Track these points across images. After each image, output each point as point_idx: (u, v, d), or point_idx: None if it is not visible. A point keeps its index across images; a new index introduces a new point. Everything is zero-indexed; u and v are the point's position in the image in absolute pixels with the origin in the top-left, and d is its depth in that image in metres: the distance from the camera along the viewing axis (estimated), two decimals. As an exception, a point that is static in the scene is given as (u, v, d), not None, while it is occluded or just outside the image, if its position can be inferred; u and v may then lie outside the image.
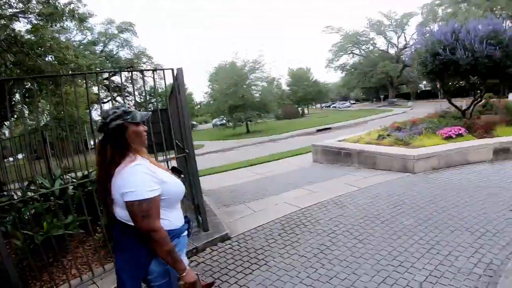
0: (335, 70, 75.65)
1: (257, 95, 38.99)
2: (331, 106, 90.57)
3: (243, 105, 36.76)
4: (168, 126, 5.92)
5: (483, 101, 15.54)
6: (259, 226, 6.03)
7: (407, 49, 46.26)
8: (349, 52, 73.34)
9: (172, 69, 5.68)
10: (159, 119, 5.40)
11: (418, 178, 8.18)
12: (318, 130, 31.11)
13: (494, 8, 37.11)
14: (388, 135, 11.50)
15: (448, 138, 10.24)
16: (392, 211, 6.08)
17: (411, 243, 4.80)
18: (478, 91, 12.82)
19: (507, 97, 23.64)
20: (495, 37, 10.98)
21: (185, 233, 2.47)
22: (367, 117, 38.30)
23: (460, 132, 10.39)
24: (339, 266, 4.39)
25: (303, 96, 67.37)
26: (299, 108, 69.37)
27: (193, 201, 6.01)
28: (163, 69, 5.92)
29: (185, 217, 2.53)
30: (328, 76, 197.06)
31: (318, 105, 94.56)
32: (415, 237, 4.96)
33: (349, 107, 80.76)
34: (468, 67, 10.83)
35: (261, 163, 14.06)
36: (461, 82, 12.90)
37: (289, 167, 11.92)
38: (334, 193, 7.53)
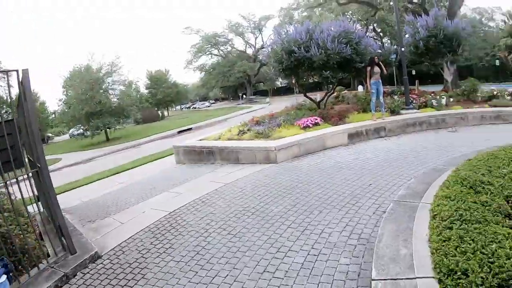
0: (194, 70, 75.98)
1: (115, 99, 36.87)
2: (191, 107, 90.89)
3: (100, 111, 33.99)
4: (17, 139, 5.07)
5: (335, 93, 17.33)
6: (129, 238, 5.62)
7: (264, 49, 48.78)
8: (208, 52, 74.32)
9: (17, 71, 4.74)
10: (4, 132, 4.62)
11: (281, 167, 8.55)
12: (180, 132, 30.75)
13: (346, 13, 41.36)
14: (248, 129, 11.85)
15: (306, 127, 11.04)
16: (261, 201, 6.18)
17: (284, 228, 4.95)
18: (331, 85, 14.20)
19: (357, 89, 27.38)
20: (346, 37, 12.34)
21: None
22: (227, 115, 39.10)
23: (316, 121, 11.33)
24: (219, 264, 4.30)
25: (162, 99, 66.25)
26: (159, 111, 68.13)
27: (54, 223, 5.32)
28: (5, 71, 4.99)
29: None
30: (187, 77, 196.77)
31: (178, 107, 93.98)
32: (287, 222, 5.12)
33: (208, 106, 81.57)
34: (321, 63, 11.96)
35: (123, 171, 13.35)
36: (315, 77, 14.18)
37: (153, 172, 11.48)
38: (201, 192, 7.40)
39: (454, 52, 15.09)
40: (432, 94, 14.02)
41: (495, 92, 13.88)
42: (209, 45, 72.51)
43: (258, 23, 70.37)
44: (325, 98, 14.12)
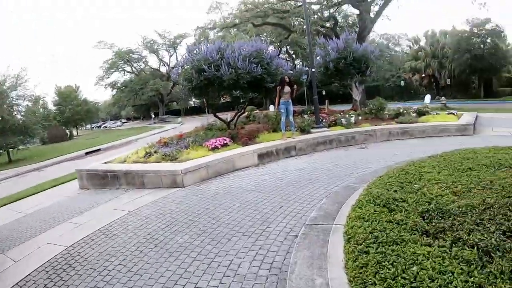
0: (106, 87, 72.27)
1: (19, 116, 33.42)
2: (102, 126, 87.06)
3: (2, 129, 30.61)
4: None
5: (246, 113, 17.06)
6: (20, 280, 4.80)
7: (176, 68, 47.88)
8: (121, 69, 71.19)
9: None
10: None
11: (188, 192, 7.89)
12: (87, 153, 28.25)
13: (261, 35, 41.89)
14: (155, 151, 10.95)
15: (215, 148, 10.38)
16: (165, 231, 5.64)
17: (190, 261, 4.45)
18: (242, 104, 13.83)
19: (269, 109, 27.18)
20: (257, 56, 12.03)
21: None
22: (138, 135, 36.99)
23: (225, 142, 10.71)
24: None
25: (71, 117, 61.54)
26: (67, 130, 63.43)
27: None
28: None
29: None
30: (99, 94, 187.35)
31: (89, 126, 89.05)
32: (193, 254, 4.63)
33: (120, 126, 78.79)
34: (231, 82, 11.49)
35: (22, 198, 11.49)
36: (226, 97, 13.75)
37: (54, 199, 10.03)
38: (102, 222, 6.68)
39: (362, 73, 15.56)
40: (342, 113, 14.27)
41: (401, 110, 14.57)
42: (122, 61, 69.69)
43: (173, 41, 69.07)
44: (235, 118, 13.69)
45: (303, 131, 12.37)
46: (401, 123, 13.30)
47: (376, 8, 28.01)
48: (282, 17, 33.40)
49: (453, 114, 15.20)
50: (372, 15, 27.62)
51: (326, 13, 31.28)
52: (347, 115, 13.76)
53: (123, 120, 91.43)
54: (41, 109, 57.87)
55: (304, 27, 31.42)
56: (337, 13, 31.64)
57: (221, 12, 44.57)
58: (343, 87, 18.24)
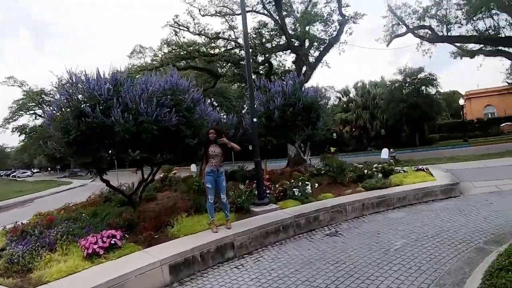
0: (13, 131, 63.42)
1: None
2: (11, 175, 79.61)
3: None
4: None
5: (162, 174, 12.77)
6: None
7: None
8: (32, 112, 62.90)
9: None
10: None
11: None
12: None
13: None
14: (2, 249, 6.58)
15: (93, 255, 5.98)
16: None
17: None
18: (153, 166, 9.22)
19: (190, 168, 21.02)
20: (172, 97, 7.97)
21: None
22: (39, 193, 31.68)
23: (115, 240, 6.27)
24: None
25: (-35, 162, 53.40)
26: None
27: None
28: None
29: None
30: (11, 138, 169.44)
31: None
32: None
33: (30, 176, 73.18)
34: (127, 136, 7.17)
35: None
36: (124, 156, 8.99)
37: None
38: None
39: (312, 125, 11.98)
40: (293, 181, 10.23)
41: (365, 171, 11.46)
42: (33, 103, 61.65)
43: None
44: (140, 189, 9.02)
45: (240, 209, 8.37)
46: (371, 189, 10.11)
47: (316, 54, 25.49)
48: (209, 61, 29.89)
49: (423, 170, 12.96)
50: (311, 60, 25.01)
51: (260, 58, 28.04)
52: (300, 183, 9.89)
53: (34, 170, 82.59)
54: None
55: (235, 71, 28.19)
56: (272, 57, 28.41)
57: (144, 58, 39.77)
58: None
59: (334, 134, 41.79)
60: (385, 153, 17.13)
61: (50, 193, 29.67)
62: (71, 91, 7.76)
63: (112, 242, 6.20)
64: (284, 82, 12.35)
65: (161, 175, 12.68)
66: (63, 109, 7.94)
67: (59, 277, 5.39)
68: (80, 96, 7.75)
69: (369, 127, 42.14)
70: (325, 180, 11.15)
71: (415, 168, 13.30)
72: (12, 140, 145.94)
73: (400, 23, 26.49)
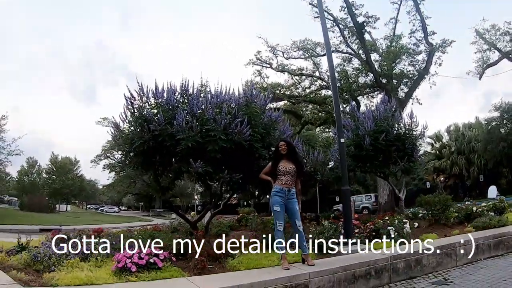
0: (103, 169, 67.04)
1: None
2: (100, 209, 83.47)
3: None
4: None
5: (240, 215, 11.98)
6: None
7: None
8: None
9: None
10: None
11: None
12: (42, 230, 23.22)
13: None
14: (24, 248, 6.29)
15: (124, 271, 4.92)
16: None
17: None
18: (220, 192, 8.04)
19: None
20: (246, 109, 6.91)
21: None
22: (119, 224, 32.46)
23: (155, 259, 5.10)
24: None
25: (59, 189, 57.05)
26: (53, 203, 58.05)
27: None
28: None
29: None
30: (102, 174, 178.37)
31: (88, 205, 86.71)
32: None
33: (117, 212, 75.61)
34: (190, 145, 6.03)
35: None
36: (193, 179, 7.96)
37: None
38: None
39: (409, 157, 10.21)
40: (387, 218, 8.47)
41: (474, 208, 9.66)
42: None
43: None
44: (209, 218, 7.68)
45: (320, 248, 6.61)
46: (484, 228, 8.28)
47: (405, 90, 23.64)
48: (294, 102, 29.41)
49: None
50: (401, 94, 23.19)
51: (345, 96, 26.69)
52: (396, 221, 8.07)
53: (122, 207, 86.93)
54: (35, 174, 54.20)
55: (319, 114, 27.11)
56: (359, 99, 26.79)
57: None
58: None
59: (428, 183, 38.30)
60: (492, 191, 14.73)
61: (126, 226, 30.07)
62: (138, 99, 7.04)
63: (151, 261, 5.07)
64: (376, 107, 10.85)
65: (238, 216, 12.28)
66: (128, 118, 7.23)
67: (71, 284, 4.65)
68: (146, 105, 7.02)
69: (465, 175, 38.53)
70: (424, 222, 9.43)
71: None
72: (103, 177, 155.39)
73: (492, 48, 24.09)
